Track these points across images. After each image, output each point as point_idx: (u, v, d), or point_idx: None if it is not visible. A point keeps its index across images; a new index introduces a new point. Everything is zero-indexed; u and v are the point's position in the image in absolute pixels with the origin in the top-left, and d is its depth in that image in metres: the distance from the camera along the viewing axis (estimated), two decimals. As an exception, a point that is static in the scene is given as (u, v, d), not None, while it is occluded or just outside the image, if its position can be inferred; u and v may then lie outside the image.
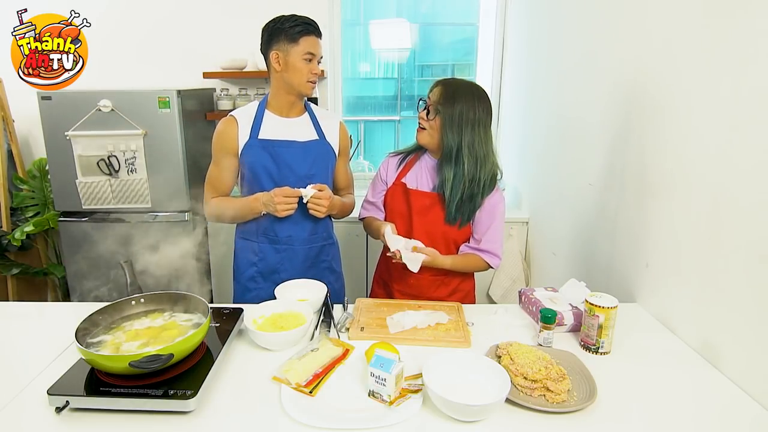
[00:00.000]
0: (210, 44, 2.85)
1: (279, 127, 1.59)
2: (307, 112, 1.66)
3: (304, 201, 1.49)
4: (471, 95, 1.41)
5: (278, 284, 1.65)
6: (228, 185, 1.64)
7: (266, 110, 1.60)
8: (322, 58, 1.56)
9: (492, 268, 1.55)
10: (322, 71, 2.77)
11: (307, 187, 1.50)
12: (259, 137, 1.56)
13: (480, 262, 1.54)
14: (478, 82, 1.51)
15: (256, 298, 1.66)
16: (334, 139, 1.67)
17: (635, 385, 1.07)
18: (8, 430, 0.92)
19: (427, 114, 1.45)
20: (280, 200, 1.46)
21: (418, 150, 1.58)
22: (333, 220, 1.77)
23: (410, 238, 1.46)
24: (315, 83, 1.56)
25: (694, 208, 1.25)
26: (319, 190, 1.50)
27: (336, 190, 1.77)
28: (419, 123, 1.49)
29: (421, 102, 1.49)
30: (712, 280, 1.18)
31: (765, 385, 1.01)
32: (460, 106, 1.40)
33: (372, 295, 1.75)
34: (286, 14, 1.50)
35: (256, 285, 1.68)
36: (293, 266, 1.65)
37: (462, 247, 1.56)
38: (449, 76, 1.51)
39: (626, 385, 1.07)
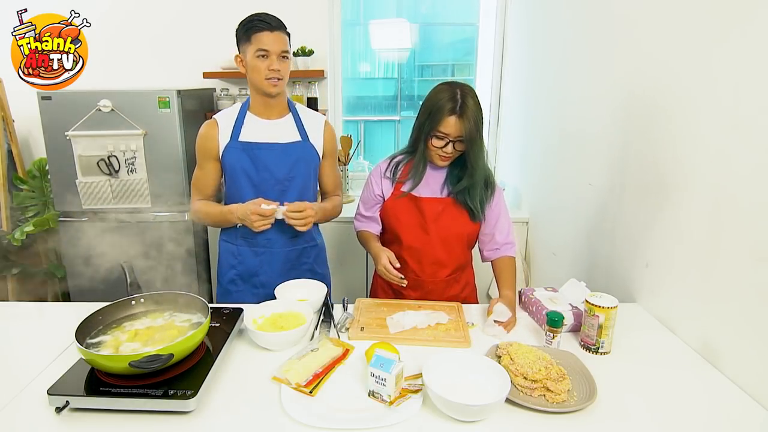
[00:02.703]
0: (210, 44, 2.84)
1: (260, 129, 1.57)
2: (290, 113, 1.62)
3: (279, 218, 1.46)
4: (478, 109, 1.38)
5: (258, 287, 1.64)
6: (211, 188, 1.63)
7: (248, 112, 1.58)
8: (285, 53, 1.48)
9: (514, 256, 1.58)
10: (322, 71, 2.77)
11: (280, 206, 1.46)
12: (239, 139, 1.55)
13: (510, 260, 1.56)
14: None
15: (236, 301, 1.65)
16: (318, 141, 1.62)
17: (635, 385, 1.07)
18: (8, 430, 0.92)
19: (454, 147, 1.40)
20: (255, 218, 1.43)
21: (411, 158, 1.52)
22: (318, 223, 1.73)
23: (427, 248, 1.51)
24: (278, 80, 1.48)
25: (694, 208, 1.25)
26: (298, 210, 1.45)
27: (323, 193, 1.75)
28: (441, 154, 1.42)
29: (437, 137, 1.39)
30: (712, 280, 1.18)
31: (765, 385, 1.01)
32: (478, 126, 1.38)
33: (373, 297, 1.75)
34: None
35: (236, 288, 1.67)
36: (272, 269, 1.64)
37: (487, 255, 1.59)
38: (447, 81, 1.44)
39: (626, 385, 1.07)
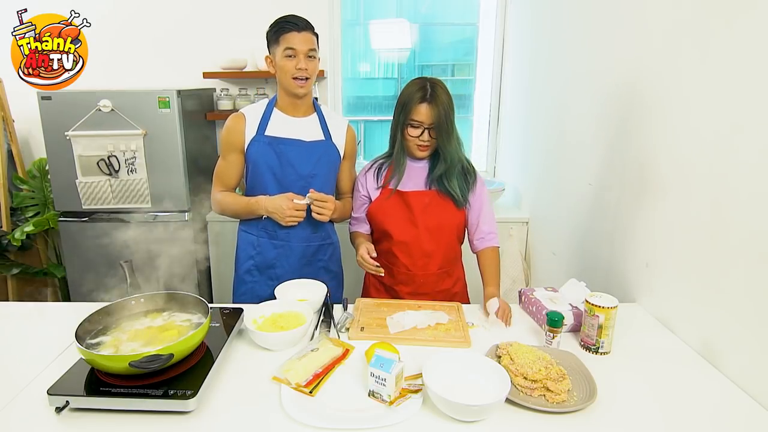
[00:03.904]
0: (210, 44, 2.84)
1: (286, 126, 1.61)
2: (316, 113, 1.67)
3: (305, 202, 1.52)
4: (448, 97, 1.46)
5: (273, 279, 1.67)
6: (234, 179, 1.67)
7: (275, 108, 1.62)
8: (312, 51, 1.52)
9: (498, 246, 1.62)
10: (322, 71, 2.77)
11: (308, 195, 1.53)
12: (265, 134, 1.59)
13: (494, 252, 1.60)
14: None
15: (250, 291, 1.70)
16: (340, 141, 1.68)
17: (635, 385, 1.07)
18: (8, 430, 0.92)
19: (429, 135, 1.47)
20: (290, 212, 1.48)
21: (393, 160, 1.58)
22: (333, 222, 1.78)
23: (417, 241, 1.54)
24: (304, 80, 1.53)
25: (694, 208, 1.25)
26: (322, 200, 1.52)
27: (339, 193, 1.79)
28: (419, 144, 1.49)
29: (412, 126, 1.47)
30: (712, 280, 1.18)
31: (765, 384, 1.01)
32: (448, 114, 1.45)
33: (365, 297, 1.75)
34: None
35: (252, 278, 1.70)
36: (289, 263, 1.67)
37: (475, 245, 1.61)
38: (420, 79, 1.50)
39: (626, 385, 1.07)
